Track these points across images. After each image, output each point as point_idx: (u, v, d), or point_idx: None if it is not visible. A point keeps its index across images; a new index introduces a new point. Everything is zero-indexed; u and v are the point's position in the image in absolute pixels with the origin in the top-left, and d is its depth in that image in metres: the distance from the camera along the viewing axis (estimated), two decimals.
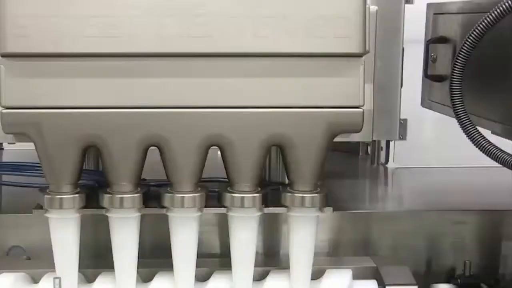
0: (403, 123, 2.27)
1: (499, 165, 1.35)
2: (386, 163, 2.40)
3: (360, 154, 2.55)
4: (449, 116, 1.49)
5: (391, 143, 2.37)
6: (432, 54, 1.73)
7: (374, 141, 2.39)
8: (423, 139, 2.39)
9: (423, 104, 1.86)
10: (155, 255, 1.69)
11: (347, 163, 2.46)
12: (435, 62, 1.72)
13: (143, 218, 1.50)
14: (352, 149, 2.53)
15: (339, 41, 1.36)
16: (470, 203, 1.93)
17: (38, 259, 1.68)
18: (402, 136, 2.28)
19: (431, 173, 2.33)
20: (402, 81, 1.53)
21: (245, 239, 1.50)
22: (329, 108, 1.40)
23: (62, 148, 1.39)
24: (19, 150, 2.09)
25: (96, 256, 1.69)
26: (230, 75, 1.37)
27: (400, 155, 2.38)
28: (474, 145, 1.36)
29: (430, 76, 1.75)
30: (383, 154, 2.40)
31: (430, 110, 1.83)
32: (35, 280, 1.58)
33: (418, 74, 1.82)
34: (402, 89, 1.56)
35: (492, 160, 1.35)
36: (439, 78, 1.71)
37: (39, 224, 1.60)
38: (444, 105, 1.67)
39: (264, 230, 1.74)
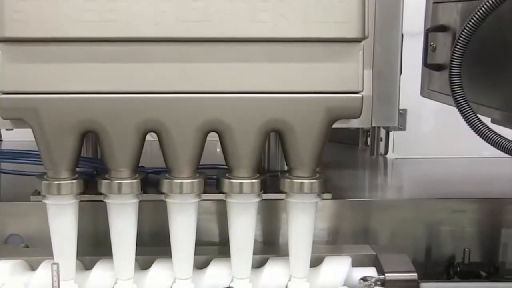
0: (403, 114, 2.27)
1: (498, 156, 1.34)
2: (386, 154, 2.39)
3: (360, 145, 2.54)
4: (449, 104, 1.49)
5: (391, 134, 2.36)
6: (432, 43, 1.72)
7: (374, 131, 2.38)
8: (422, 130, 2.38)
9: (422, 93, 1.85)
10: (153, 243, 1.69)
11: (346, 154, 2.45)
12: (435, 51, 1.72)
13: (141, 206, 1.50)
14: (351, 140, 2.53)
15: (338, 26, 1.35)
16: (469, 192, 1.93)
17: (36, 247, 1.68)
18: (402, 127, 2.29)
19: (430, 163, 2.33)
20: (401, 68, 1.53)
21: (244, 225, 1.49)
22: (328, 94, 1.39)
23: (60, 134, 1.39)
24: (18, 142, 2.09)
25: (94, 244, 1.69)
26: (228, 60, 1.36)
27: (399, 146, 2.37)
28: (475, 132, 1.35)
29: (429, 65, 1.74)
30: (382, 144, 2.40)
31: (430, 101, 1.82)
32: (33, 268, 1.58)
33: (418, 66, 1.81)
34: (402, 81, 1.55)
35: (491, 151, 1.34)
36: (438, 67, 1.70)
37: (37, 212, 1.61)
38: (443, 93, 1.66)
39: (263, 218, 1.73)
